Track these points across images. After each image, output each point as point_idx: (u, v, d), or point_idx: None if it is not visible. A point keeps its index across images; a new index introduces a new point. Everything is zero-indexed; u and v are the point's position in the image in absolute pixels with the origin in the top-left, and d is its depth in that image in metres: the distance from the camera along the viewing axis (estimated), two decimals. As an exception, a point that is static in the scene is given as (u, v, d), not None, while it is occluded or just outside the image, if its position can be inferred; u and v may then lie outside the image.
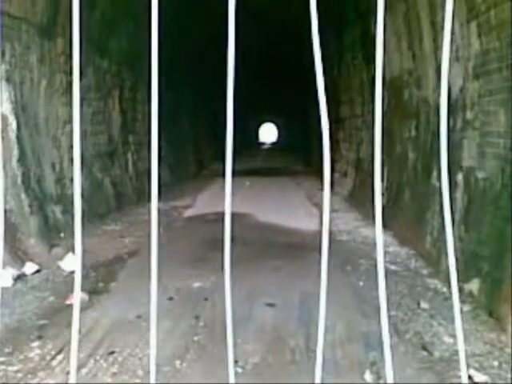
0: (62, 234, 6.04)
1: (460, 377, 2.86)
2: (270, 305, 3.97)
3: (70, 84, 7.00)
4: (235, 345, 3.21)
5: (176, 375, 2.83)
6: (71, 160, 7.17)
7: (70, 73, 7.01)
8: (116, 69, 8.78)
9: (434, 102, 5.32)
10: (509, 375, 2.88)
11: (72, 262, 5.10)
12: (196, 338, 3.30)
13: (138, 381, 2.75)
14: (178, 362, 2.96)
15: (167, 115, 10.20)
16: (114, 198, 8.37)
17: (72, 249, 5.43)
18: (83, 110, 7.62)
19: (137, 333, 3.37)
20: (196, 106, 15.91)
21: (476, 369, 2.90)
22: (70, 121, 7.03)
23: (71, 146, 7.20)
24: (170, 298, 4.07)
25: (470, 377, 2.85)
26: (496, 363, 3.01)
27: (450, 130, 4.87)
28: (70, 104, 7.03)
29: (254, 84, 20.55)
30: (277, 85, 22.24)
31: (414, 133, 6.12)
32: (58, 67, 6.75)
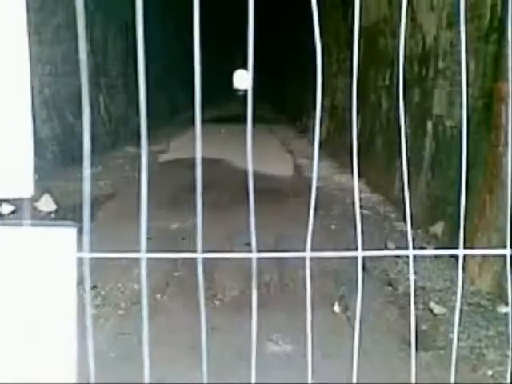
0: (37, 176, 6.04)
1: (421, 310, 3.11)
2: (248, 244, 4.14)
3: (41, 23, 6.80)
4: (214, 280, 3.39)
5: (158, 307, 3.00)
6: (42, 102, 7.07)
7: (40, 11, 6.80)
8: (90, 7, 8.51)
9: (408, 50, 5.40)
10: (466, 307, 3.13)
11: (48, 203, 5.15)
12: (176, 274, 3.47)
13: (121, 312, 2.91)
14: (158, 296, 3.13)
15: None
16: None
17: (47, 190, 5.46)
18: (54, 50, 7.44)
19: (118, 269, 3.50)
20: (170, 49, 15.57)
21: (436, 302, 3.15)
22: (40, 61, 6.87)
23: (42, 89, 7.07)
24: (149, 238, 4.19)
25: (430, 309, 3.10)
26: (454, 297, 3.27)
27: (422, 79, 4.99)
28: (42, 43, 6.86)
29: (228, 28, 20.11)
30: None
31: (387, 81, 6.22)
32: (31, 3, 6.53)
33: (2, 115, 0.79)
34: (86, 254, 0.86)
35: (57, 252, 0.80)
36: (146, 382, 0.88)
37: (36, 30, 6.74)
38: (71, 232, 0.81)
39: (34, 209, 5.09)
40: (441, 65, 4.55)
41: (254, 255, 0.95)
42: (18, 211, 4.87)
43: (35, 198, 5.35)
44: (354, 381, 0.97)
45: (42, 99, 6.96)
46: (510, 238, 0.99)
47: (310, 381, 0.99)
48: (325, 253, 1.03)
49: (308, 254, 1.00)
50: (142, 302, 0.91)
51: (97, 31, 9.01)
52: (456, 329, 1.07)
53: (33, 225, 0.80)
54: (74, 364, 0.81)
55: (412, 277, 2.63)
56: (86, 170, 0.91)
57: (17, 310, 0.80)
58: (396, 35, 5.84)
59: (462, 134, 0.99)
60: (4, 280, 0.79)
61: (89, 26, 8.61)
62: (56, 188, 5.58)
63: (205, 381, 0.92)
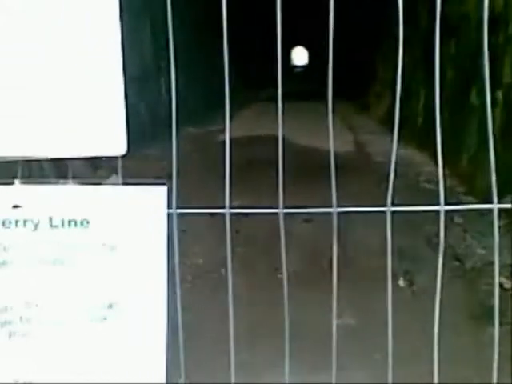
0: (104, 157, 6.28)
1: (490, 285, 3.02)
2: (307, 221, 4.15)
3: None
4: (276, 255, 3.42)
5: (223, 280, 3.09)
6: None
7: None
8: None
9: (475, 17, 5.14)
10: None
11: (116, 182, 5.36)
12: (238, 249, 3.54)
13: (188, 285, 3.02)
14: (223, 270, 3.22)
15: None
16: (150, 124, 8.55)
17: (115, 170, 5.67)
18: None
19: (185, 242, 3.62)
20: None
21: (506, 277, 3.05)
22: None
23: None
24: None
25: (500, 284, 3.00)
26: (525, 272, 3.15)
27: (491, 47, 4.75)
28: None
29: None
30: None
31: (453, 50, 5.97)
32: None
33: (96, 76, 0.83)
34: (174, 210, 0.91)
35: (149, 209, 0.85)
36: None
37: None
38: (162, 190, 0.86)
39: (103, 188, 5.31)
40: (511, 31, 4.31)
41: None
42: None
43: (105, 178, 5.58)
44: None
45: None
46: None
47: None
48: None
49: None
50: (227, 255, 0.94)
51: (158, 11, 9.15)
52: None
53: (125, 183, 0.84)
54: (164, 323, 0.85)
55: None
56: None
57: (114, 261, 0.85)
58: (462, 2, 5.57)
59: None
60: (101, 236, 0.84)
61: (149, 6, 8.77)
62: (124, 168, 5.78)
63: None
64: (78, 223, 0.83)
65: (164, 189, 0.86)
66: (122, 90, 0.86)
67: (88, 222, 0.84)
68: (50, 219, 0.83)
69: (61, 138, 0.84)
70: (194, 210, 0.98)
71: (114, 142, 0.85)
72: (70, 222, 0.83)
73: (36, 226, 0.83)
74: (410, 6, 7.65)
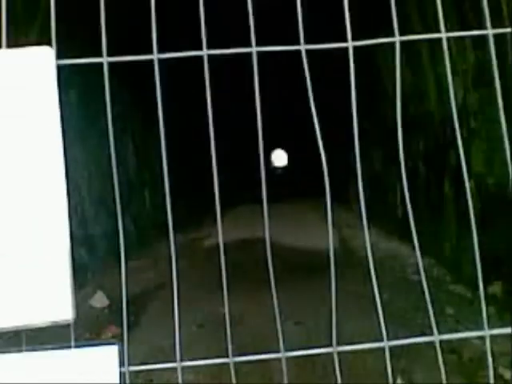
0: (89, 274, 6.22)
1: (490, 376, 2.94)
2: (298, 323, 4.09)
3: (85, 130, 7.28)
4: (269, 366, 3.32)
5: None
6: (92, 202, 7.41)
7: (84, 119, 7.31)
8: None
9: (438, 115, 5.48)
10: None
11: (102, 299, 5.27)
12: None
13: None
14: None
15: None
16: (136, 236, 8.58)
17: (100, 287, 5.60)
18: (101, 151, 7.90)
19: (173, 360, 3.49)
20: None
21: (505, 367, 2.98)
22: (88, 165, 7.29)
23: (90, 189, 7.45)
24: (200, 325, 4.21)
25: (500, 375, 2.93)
26: (525, 360, 3.09)
27: (456, 140, 5.01)
28: (86, 149, 7.30)
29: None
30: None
31: (422, 146, 6.27)
32: (73, 115, 7.05)
33: (40, 241, 0.86)
34: (126, 369, 0.91)
35: (101, 369, 0.85)
36: None
37: (82, 136, 7.22)
38: (113, 350, 0.87)
39: (89, 306, 5.21)
40: (473, 124, 4.58)
41: (282, 355, 0.97)
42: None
43: (89, 295, 5.49)
44: None
45: (90, 199, 7.31)
46: None
47: None
48: (351, 347, 1.00)
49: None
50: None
51: (138, 127, 9.55)
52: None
53: (77, 346, 0.86)
54: None
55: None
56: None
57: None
58: (422, 101, 5.96)
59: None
60: None
61: (130, 128, 9.16)
62: (108, 283, 5.72)
63: None
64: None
65: (114, 348, 0.88)
66: (67, 258, 0.89)
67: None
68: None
69: (8, 307, 0.85)
70: (145, 367, 0.99)
71: (61, 308, 0.87)
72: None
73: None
74: (375, 107, 8.10)
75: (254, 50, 0.91)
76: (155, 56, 0.91)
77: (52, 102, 0.84)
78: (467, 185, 1.04)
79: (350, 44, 0.93)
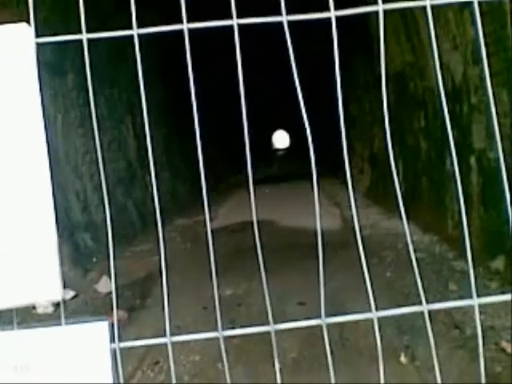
0: (94, 259, 6.25)
1: (493, 350, 2.96)
2: (301, 304, 4.11)
3: (84, 116, 7.25)
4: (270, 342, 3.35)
5: (220, 376, 3.00)
6: (94, 188, 7.41)
7: (83, 105, 7.26)
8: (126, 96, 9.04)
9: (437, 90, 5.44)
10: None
11: (107, 284, 5.30)
12: (235, 342, 3.46)
13: (186, 384, 2.93)
14: (220, 365, 3.13)
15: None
16: (139, 220, 8.60)
17: (106, 272, 5.63)
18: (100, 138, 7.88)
19: (178, 342, 3.52)
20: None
21: (508, 341, 3.00)
22: (88, 151, 7.28)
23: (92, 175, 7.45)
24: (205, 308, 4.23)
25: (502, 349, 2.95)
26: (528, 333, 3.11)
27: (457, 116, 4.99)
28: (86, 135, 7.28)
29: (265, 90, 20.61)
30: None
31: (423, 123, 6.23)
32: (71, 102, 7.02)
33: (27, 223, 0.86)
34: (117, 345, 0.92)
35: (92, 345, 0.86)
36: None
37: (81, 122, 7.19)
38: (103, 325, 0.87)
39: (95, 291, 5.24)
40: (473, 100, 4.55)
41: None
42: (78, 295, 5.03)
43: (95, 280, 5.53)
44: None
45: (93, 185, 7.31)
46: None
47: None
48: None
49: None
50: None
51: (138, 115, 9.50)
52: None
53: (68, 323, 0.86)
54: None
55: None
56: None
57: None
58: (423, 78, 5.90)
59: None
60: (45, 373, 0.84)
61: (130, 112, 9.12)
62: (115, 267, 5.74)
63: None
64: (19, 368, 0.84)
65: (105, 324, 0.88)
66: (55, 240, 0.89)
67: (29, 367, 0.84)
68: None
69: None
70: (136, 343, 0.99)
71: (49, 288, 0.87)
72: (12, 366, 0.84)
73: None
74: (377, 86, 8.02)
75: (235, 22, 0.90)
76: (135, 31, 0.90)
77: (32, 81, 0.83)
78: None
79: (333, 13, 0.91)
